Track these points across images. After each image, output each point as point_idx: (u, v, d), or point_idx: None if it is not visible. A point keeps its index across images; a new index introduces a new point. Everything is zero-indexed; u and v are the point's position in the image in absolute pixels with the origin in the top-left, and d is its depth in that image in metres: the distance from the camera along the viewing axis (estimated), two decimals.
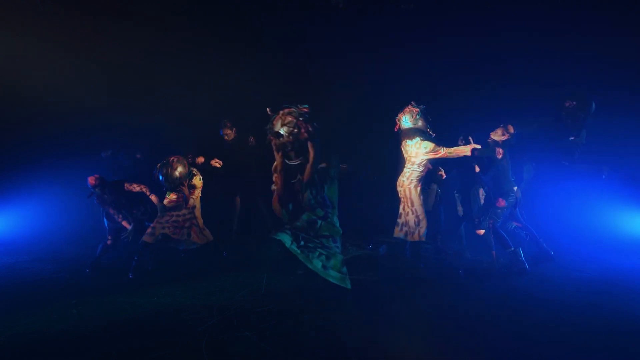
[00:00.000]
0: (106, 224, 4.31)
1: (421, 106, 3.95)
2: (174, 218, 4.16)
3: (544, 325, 2.63)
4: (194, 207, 4.30)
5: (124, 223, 4.22)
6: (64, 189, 6.17)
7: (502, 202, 4.59)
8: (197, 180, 4.34)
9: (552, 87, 5.24)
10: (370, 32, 5.66)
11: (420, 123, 3.91)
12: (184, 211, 4.22)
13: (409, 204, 3.94)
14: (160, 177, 4.06)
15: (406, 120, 3.94)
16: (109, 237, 4.26)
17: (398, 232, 3.98)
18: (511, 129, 4.07)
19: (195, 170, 4.35)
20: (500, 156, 3.96)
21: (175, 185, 4.09)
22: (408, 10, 5.50)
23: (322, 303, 3.06)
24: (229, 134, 5.22)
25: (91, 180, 4.21)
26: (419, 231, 3.87)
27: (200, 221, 4.34)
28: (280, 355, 2.21)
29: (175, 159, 4.05)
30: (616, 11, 4.92)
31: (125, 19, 5.45)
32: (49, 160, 6.04)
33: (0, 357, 2.26)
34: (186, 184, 4.17)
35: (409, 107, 3.95)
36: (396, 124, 4.05)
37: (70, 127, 5.79)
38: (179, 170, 4.03)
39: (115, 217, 4.23)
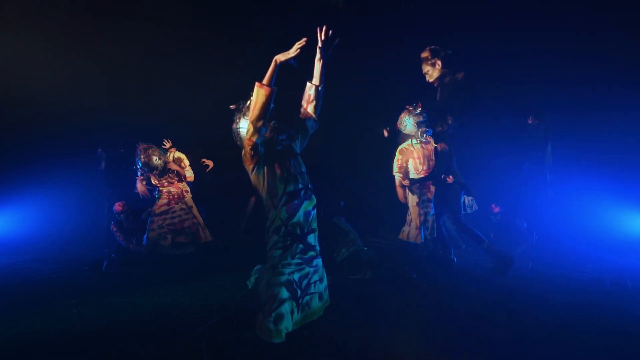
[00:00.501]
0: (117, 238, 4.36)
1: (415, 110, 3.93)
2: (167, 221, 4.11)
3: (544, 325, 2.63)
4: (191, 207, 4.28)
5: (131, 246, 4.21)
6: (63, 189, 6.17)
7: (496, 209, 4.61)
8: (178, 153, 4.33)
9: (551, 87, 5.24)
10: (370, 32, 5.66)
11: (408, 129, 3.94)
12: (179, 212, 4.18)
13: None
14: (143, 167, 4.05)
15: (401, 123, 4.00)
16: (113, 251, 4.27)
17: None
18: (449, 121, 4.09)
19: (169, 149, 4.34)
20: (441, 149, 3.97)
21: (162, 168, 4.08)
22: (408, 10, 5.50)
23: None
24: None
25: (118, 207, 4.28)
26: (409, 232, 3.91)
27: (200, 220, 4.33)
28: (280, 355, 2.21)
29: (143, 149, 4.04)
30: (616, 10, 4.92)
31: (125, 19, 5.45)
32: (49, 160, 6.04)
33: (0, 357, 2.27)
34: (171, 162, 4.16)
35: (405, 111, 3.98)
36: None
37: (70, 127, 5.79)
38: (155, 155, 4.03)
39: (124, 242, 4.24)
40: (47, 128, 5.78)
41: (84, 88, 5.57)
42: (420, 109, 3.93)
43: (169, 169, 4.14)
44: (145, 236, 4.07)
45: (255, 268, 2.69)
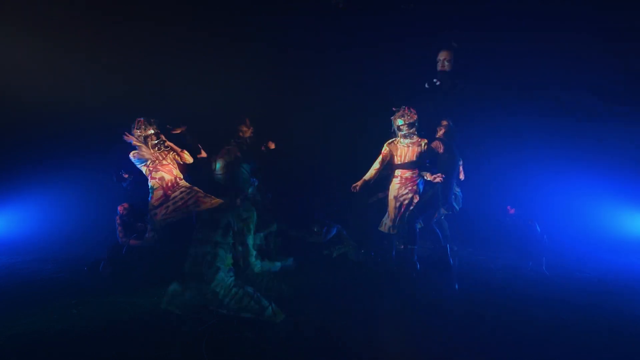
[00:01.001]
0: (116, 232, 4.35)
1: (398, 115, 3.96)
2: (171, 208, 3.91)
3: (544, 325, 2.63)
4: (190, 186, 4.05)
5: (132, 241, 4.19)
6: (63, 189, 6.17)
7: (511, 210, 4.59)
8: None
9: (551, 87, 5.25)
10: (370, 32, 5.66)
11: (394, 127, 4.05)
12: (180, 195, 3.94)
13: None
14: (138, 136, 4.01)
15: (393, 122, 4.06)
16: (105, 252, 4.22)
17: None
18: (443, 123, 4.15)
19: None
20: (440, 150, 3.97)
21: (156, 131, 4.06)
22: (408, 10, 5.50)
23: (320, 303, 3.06)
24: (245, 130, 5.04)
25: (120, 208, 4.35)
26: (385, 223, 4.09)
27: (202, 192, 4.04)
28: (280, 356, 2.21)
29: (135, 123, 4.06)
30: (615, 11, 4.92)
31: (125, 19, 5.44)
32: (49, 160, 6.04)
33: (0, 357, 2.27)
34: (162, 137, 4.10)
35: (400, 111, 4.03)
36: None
37: (70, 127, 5.78)
38: (151, 128, 4.05)
39: (123, 236, 4.22)
40: (47, 128, 5.76)
41: (84, 88, 5.57)
42: (402, 115, 3.93)
43: (163, 140, 4.07)
44: (150, 228, 4.06)
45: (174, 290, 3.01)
